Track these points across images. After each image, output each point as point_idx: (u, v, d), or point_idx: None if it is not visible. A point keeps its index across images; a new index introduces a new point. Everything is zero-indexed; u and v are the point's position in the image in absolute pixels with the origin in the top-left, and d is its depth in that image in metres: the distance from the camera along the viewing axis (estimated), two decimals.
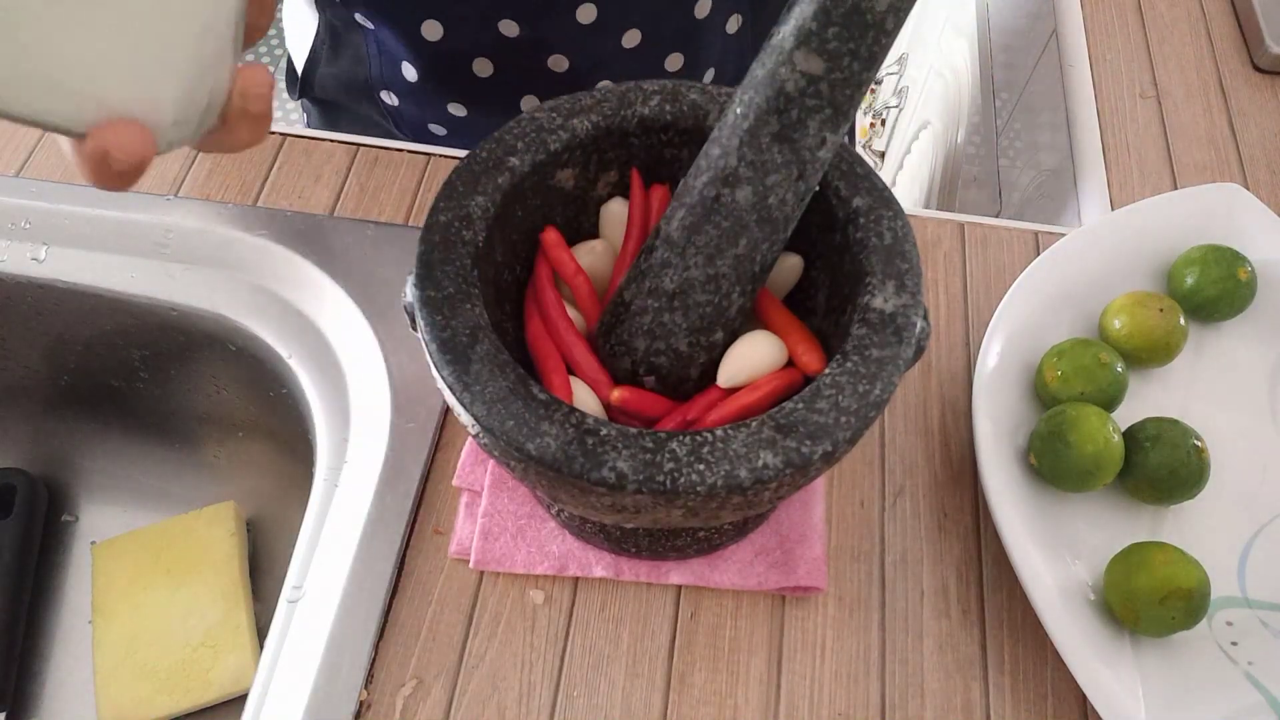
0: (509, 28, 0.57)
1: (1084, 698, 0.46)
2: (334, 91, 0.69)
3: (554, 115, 0.42)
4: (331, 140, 0.64)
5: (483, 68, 0.60)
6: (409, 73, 0.62)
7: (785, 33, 0.34)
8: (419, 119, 0.67)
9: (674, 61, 0.61)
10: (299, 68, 0.70)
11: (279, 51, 2.00)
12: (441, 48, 0.59)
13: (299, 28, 0.69)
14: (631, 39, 0.59)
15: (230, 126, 0.29)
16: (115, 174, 0.27)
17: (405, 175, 0.63)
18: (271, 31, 2.03)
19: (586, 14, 0.56)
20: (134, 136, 0.27)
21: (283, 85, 0.74)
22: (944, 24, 1.13)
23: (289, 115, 1.90)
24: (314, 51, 0.68)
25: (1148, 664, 0.45)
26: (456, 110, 0.64)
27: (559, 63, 0.59)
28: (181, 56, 0.27)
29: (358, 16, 0.61)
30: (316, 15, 0.65)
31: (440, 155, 0.64)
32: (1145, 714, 0.43)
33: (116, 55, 0.26)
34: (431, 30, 0.58)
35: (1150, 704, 0.43)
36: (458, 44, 0.59)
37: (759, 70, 0.36)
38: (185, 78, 0.27)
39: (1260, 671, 0.45)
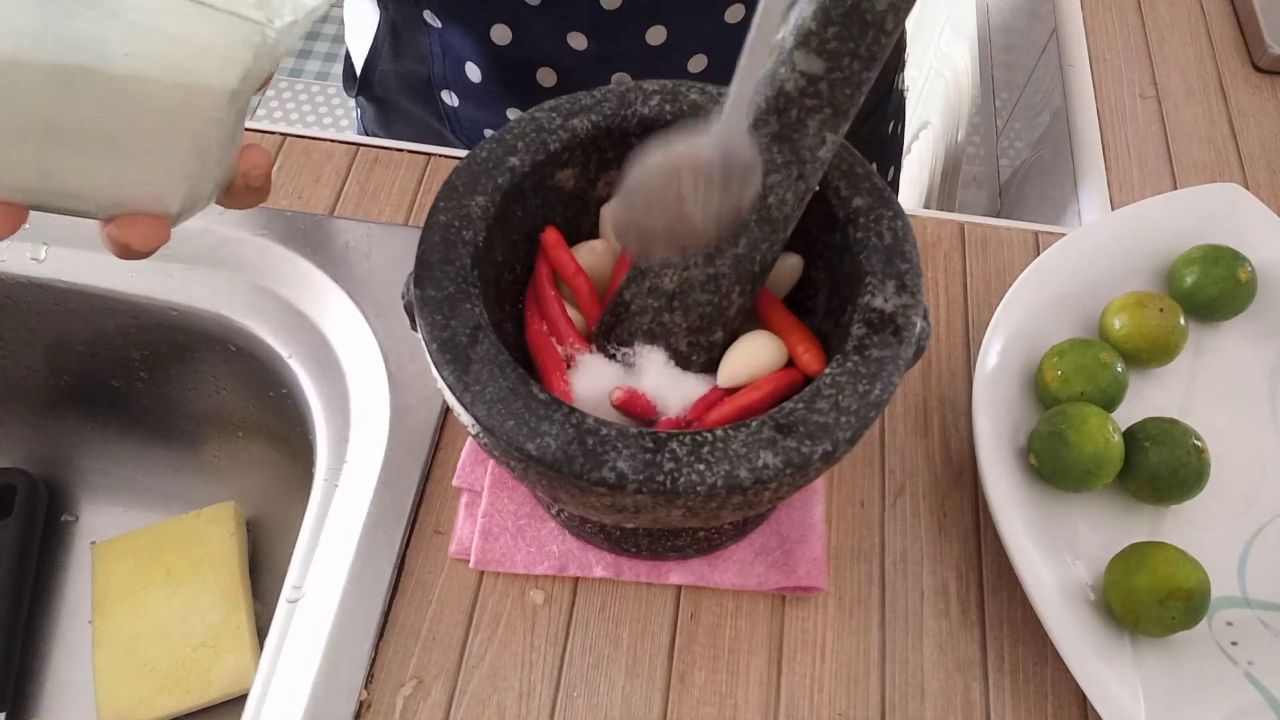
0: (578, 40, 0.57)
1: (1084, 698, 0.46)
2: (393, 90, 0.69)
3: (554, 115, 0.42)
4: (331, 140, 0.64)
5: (546, 77, 0.60)
6: (473, 73, 0.62)
7: (785, 33, 0.34)
8: (476, 122, 0.67)
9: None
10: (358, 65, 0.70)
11: (340, 48, 1.99)
12: (509, 53, 0.59)
13: (359, 25, 0.69)
14: (697, 64, 0.59)
15: (234, 196, 0.33)
16: (134, 253, 0.32)
17: (405, 175, 0.63)
18: (332, 26, 2.03)
19: (656, 35, 0.57)
20: (148, 230, 0.31)
21: (341, 82, 0.74)
22: (944, 24, 1.13)
23: (338, 121, 1.89)
24: (374, 49, 0.68)
25: (1148, 664, 0.45)
26: (515, 115, 0.64)
27: (623, 81, 0.60)
28: (182, 171, 0.30)
29: (426, 14, 0.61)
30: (377, 12, 0.65)
31: (440, 155, 0.64)
32: (1145, 714, 0.43)
33: (128, 174, 0.29)
34: (501, 34, 0.58)
35: (1150, 704, 0.43)
36: (525, 51, 0.59)
37: (759, 70, 0.36)
38: (187, 183, 0.31)
39: (1260, 671, 0.45)
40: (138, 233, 0.31)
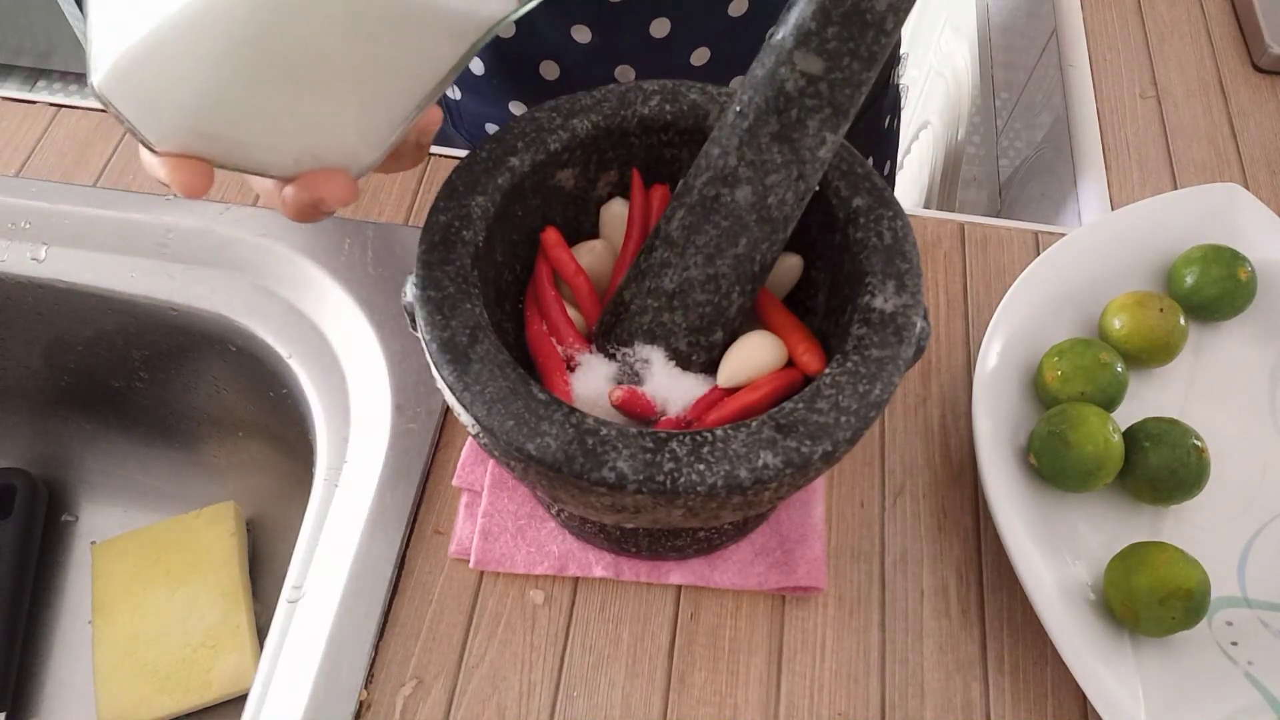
0: (581, 33, 0.57)
1: (1084, 698, 0.46)
2: None
3: (554, 115, 0.42)
4: None
5: (549, 70, 0.60)
6: (475, 66, 0.62)
7: (785, 32, 0.34)
8: (478, 116, 0.67)
9: (739, 83, 0.62)
10: None
11: None
12: (512, 45, 0.59)
13: None
14: (700, 57, 0.59)
15: (398, 156, 0.33)
16: (321, 214, 0.31)
17: (405, 175, 0.62)
18: None
19: (659, 28, 0.57)
20: (345, 186, 0.30)
21: None
22: (944, 24, 1.13)
23: None
24: None
25: (1148, 664, 0.45)
26: (517, 109, 0.64)
27: (625, 73, 0.60)
28: (407, 112, 0.30)
29: None
30: None
31: (440, 155, 0.64)
32: (1145, 714, 0.43)
33: (339, 127, 0.29)
34: (505, 27, 0.58)
35: (1150, 704, 0.43)
36: (529, 44, 0.59)
37: (759, 70, 0.36)
38: (401, 128, 0.31)
39: (1260, 671, 0.45)
40: (333, 187, 0.30)
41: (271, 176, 0.31)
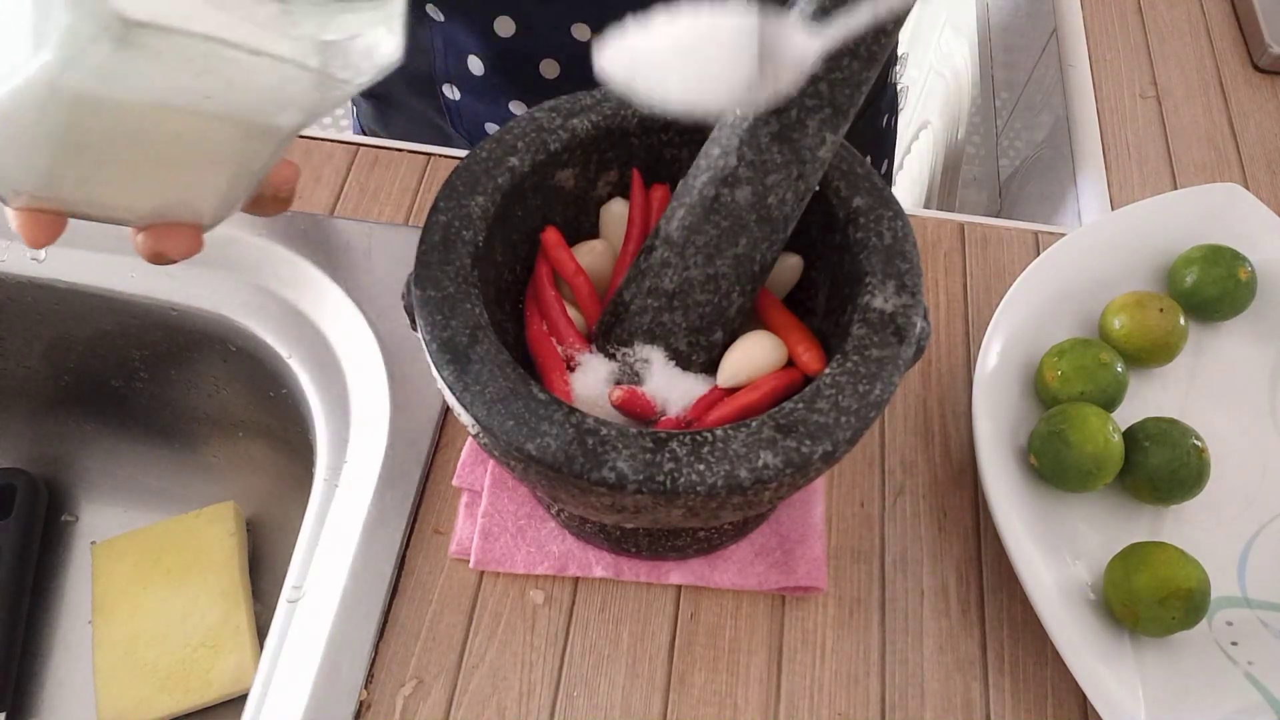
0: (581, 31, 0.57)
1: (1084, 698, 0.46)
2: (393, 84, 0.69)
3: (554, 115, 0.42)
4: (331, 140, 0.64)
5: (549, 69, 0.60)
6: (475, 66, 0.62)
7: None
8: (478, 116, 0.67)
9: None
10: None
11: None
12: (512, 45, 0.59)
13: None
14: None
15: (260, 204, 0.35)
16: (167, 260, 0.33)
17: (405, 175, 0.62)
18: None
19: None
20: (184, 239, 0.32)
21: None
22: (944, 24, 1.13)
23: (338, 120, 1.87)
24: None
25: (1148, 664, 0.45)
26: (517, 109, 0.64)
27: None
28: (227, 189, 0.32)
29: (429, 8, 0.61)
30: None
31: (440, 155, 0.64)
32: (1145, 714, 0.43)
33: (177, 192, 0.31)
34: (504, 26, 0.58)
35: (1150, 704, 0.43)
36: (529, 43, 0.59)
37: None
38: (229, 199, 0.32)
39: (1260, 671, 0.45)
40: (173, 242, 0.32)
41: (123, 225, 0.32)
